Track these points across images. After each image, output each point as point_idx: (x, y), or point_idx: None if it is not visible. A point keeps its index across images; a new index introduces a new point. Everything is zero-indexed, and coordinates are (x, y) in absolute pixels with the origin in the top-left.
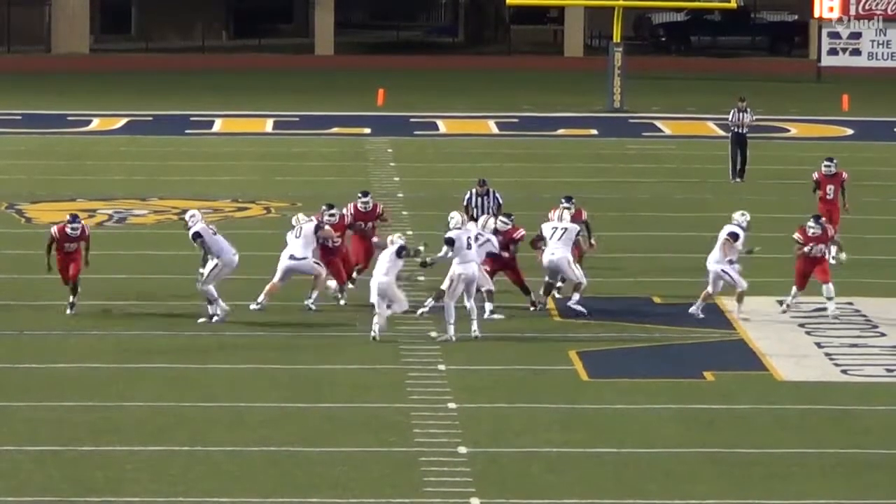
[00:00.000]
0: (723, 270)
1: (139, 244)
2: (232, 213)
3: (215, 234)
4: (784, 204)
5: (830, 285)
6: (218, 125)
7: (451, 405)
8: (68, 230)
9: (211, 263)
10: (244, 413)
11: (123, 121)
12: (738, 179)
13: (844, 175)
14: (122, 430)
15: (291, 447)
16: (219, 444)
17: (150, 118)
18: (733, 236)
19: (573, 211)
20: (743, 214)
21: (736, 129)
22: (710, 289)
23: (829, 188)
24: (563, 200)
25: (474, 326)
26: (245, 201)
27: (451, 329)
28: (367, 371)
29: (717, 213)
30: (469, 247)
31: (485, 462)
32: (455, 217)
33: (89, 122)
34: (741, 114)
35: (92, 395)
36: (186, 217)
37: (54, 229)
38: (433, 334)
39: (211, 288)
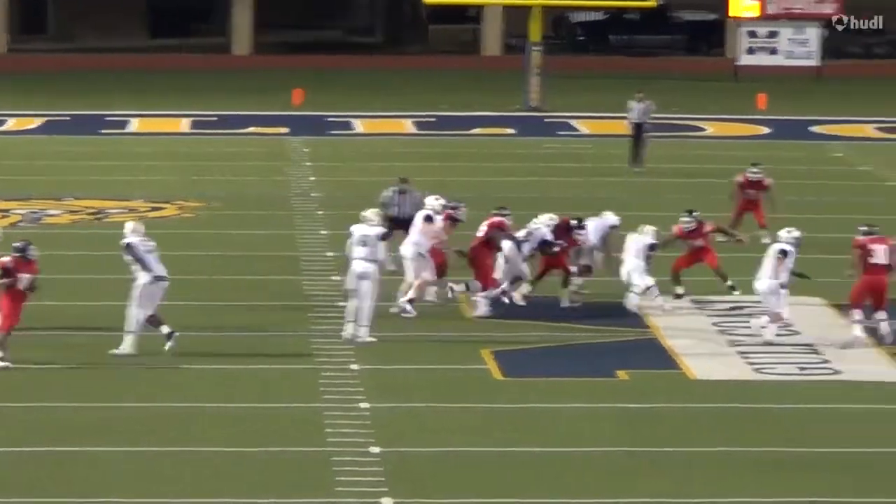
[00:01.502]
0: (771, 291)
1: (53, 244)
2: (146, 214)
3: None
4: (699, 202)
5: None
6: (134, 125)
7: (364, 405)
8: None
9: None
10: (152, 414)
11: (39, 121)
12: (636, 168)
13: (768, 182)
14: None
15: (201, 447)
16: (123, 445)
17: (67, 118)
18: (783, 254)
19: (694, 225)
20: (790, 231)
21: (634, 121)
22: (780, 311)
23: (750, 192)
24: (684, 213)
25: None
26: (160, 201)
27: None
28: (280, 371)
29: (635, 213)
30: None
31: (397, 462)
32: (368, 216)
33: (4, 122)
34: (639, 104)
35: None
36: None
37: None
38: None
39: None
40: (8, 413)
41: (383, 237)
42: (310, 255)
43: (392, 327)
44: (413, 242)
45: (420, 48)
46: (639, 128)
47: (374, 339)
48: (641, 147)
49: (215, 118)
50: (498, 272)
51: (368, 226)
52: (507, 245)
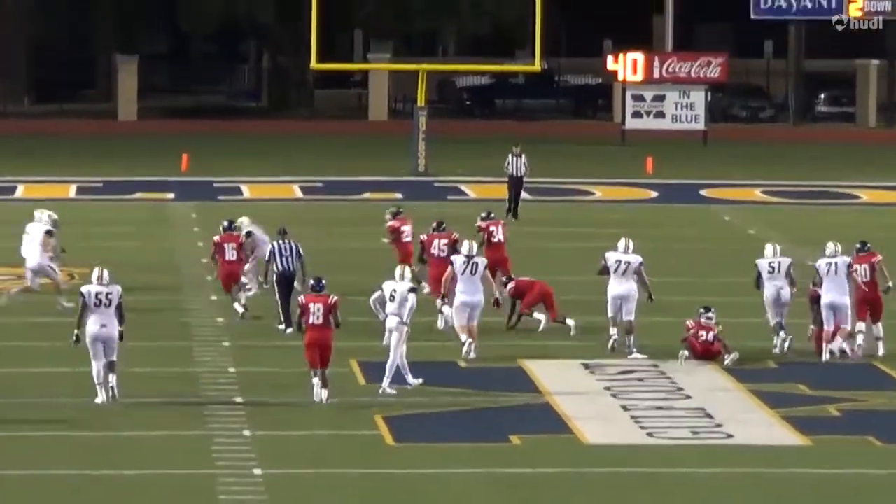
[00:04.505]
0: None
1: None
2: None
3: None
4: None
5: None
6: (20, 191)
7: (257, 471)
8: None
9: None
10: (39, 482)
11: None
12: (512, 218)
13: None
14: None
15: None
16: None
17: None
18: (850, 266)
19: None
20: (835, 244)
21: (511, 174)
22: (847, 326)
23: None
24: (701, 310)
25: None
26: None
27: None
28: (172, 437)
29: (522, 274)
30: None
31: None
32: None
33: None
34: (516, 158)
35: None
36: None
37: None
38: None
39: None
40: None
41: (412, 290)
42: (200, 321)
43: (288, 392)
44: None
45: (306, 112)
46: (517, 181)
47: (394, 392)
48: (518, 200)
49: (101, 184)
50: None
51: (396, 281)
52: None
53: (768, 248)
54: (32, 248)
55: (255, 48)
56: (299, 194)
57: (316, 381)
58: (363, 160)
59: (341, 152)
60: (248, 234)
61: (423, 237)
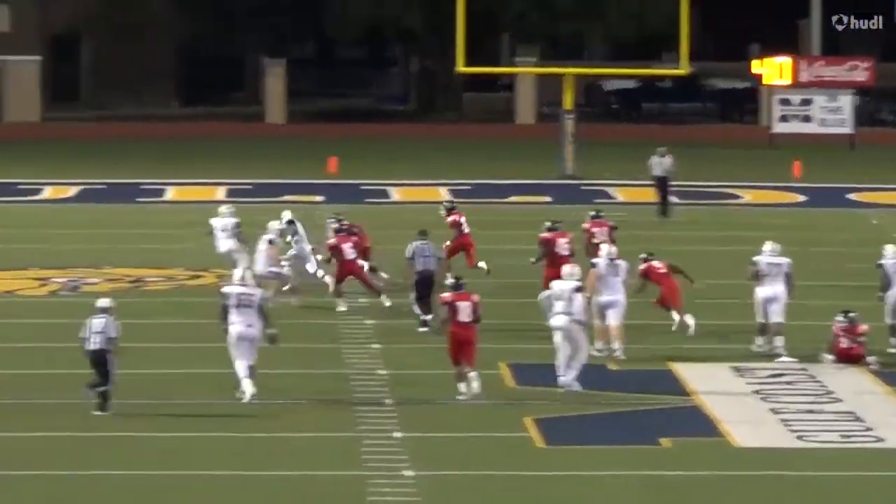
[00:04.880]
0: None
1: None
2: (185, 282)
3: None
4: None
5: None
6: (170, 193)
7: (407, 473)
8: None
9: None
10: (196, 482)
11: (75, 189)
12: (662, 218)
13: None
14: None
15: None
16: None
17: (102, 186)
18: None
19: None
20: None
21: (656, 174)
22: None
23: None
24: (839, 315)
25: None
26: (198, 269)
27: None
28: (322, 438)
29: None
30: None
31: None
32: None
33: (40, 190)
34: (661, 159)
35: (50, 465)
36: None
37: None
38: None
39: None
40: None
41: (578, 290)
42: (348, 323)
43: (437, 394)
44: None
45: (454, 116)
46: (663, 181)
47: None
48: (667, 200)
49: (250, 186)
50: None
51: (564, 280)
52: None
53: (888, 249)
54: (224, 242)
55: (402, 52)
56: (448, 197)
57: (472, 373)
58: (510, 163)
59: (488, 155)
60: (290, 221)
61: (545, 235)
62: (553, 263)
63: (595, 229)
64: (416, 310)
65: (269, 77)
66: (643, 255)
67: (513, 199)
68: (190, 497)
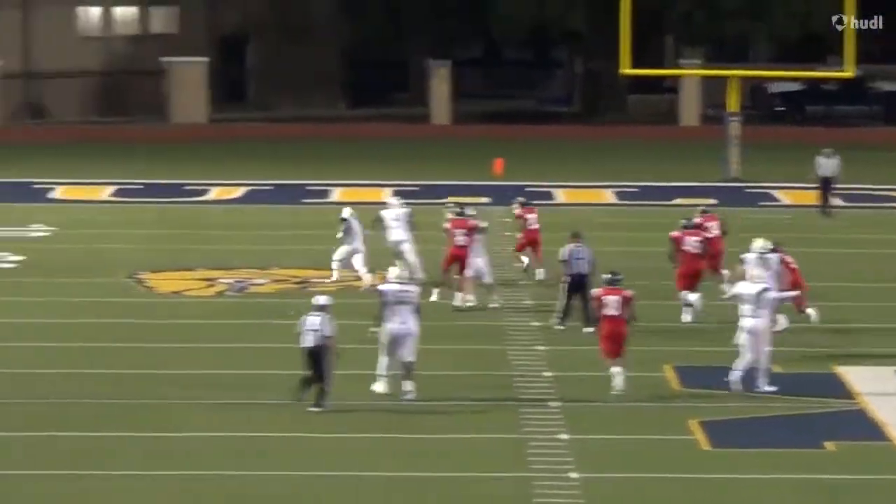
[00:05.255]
0: None
1: (260, 313)
2: (351, 283)
3: None
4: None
5: None
6: (335, 194)
7: (573, 475)
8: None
9: None
10: (359, 483)
11: (241, 190)
12: (824, 215)
13: None
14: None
15: None
16: None
17: (269, 187)
18: None
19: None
20: None
21: (821, 174)
22: None
23: None
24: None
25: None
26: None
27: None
28: (487, 440)
29: (827, 284)
30: None
31: None
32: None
33: (207, 191)
34: (827, 160)
35: (218, 465)
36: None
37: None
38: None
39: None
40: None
41: (765, 291)
42: (514, 324)
43: (602, 396)
44: None
45: (618, 118)
46: (827, 181)
47: (773, 389)
48: (830, 197)
49: (416, 188)
50: None
51: (750, 283)
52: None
53: None
54: (396, 231)
55: (567, 53)
56: (613, 199)
57: (616, 370)
58: (674, 166)
59: (652, 158)
60: (343, 219)
61: (675, 234)
62: (683, 262)
63: (708, 223)
64: (559, 307)
65: (435, 79)
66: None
67: (678, 201)
68: (359, 497)
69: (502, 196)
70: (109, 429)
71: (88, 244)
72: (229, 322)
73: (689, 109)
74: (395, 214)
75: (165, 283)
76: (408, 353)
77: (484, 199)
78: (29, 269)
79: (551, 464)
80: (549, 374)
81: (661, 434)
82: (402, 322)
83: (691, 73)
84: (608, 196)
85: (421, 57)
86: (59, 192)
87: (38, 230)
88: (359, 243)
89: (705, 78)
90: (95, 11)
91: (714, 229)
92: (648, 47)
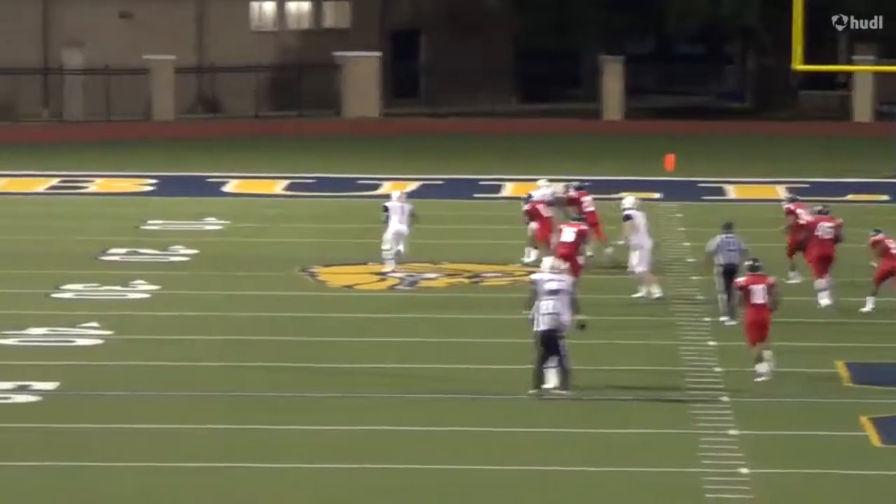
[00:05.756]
0: None
1: (431, 308)
2: (523, 277)
3: None
4: None
5: None
6: (508, 189)
7: (743, 470)
8: None
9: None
10: (531, 476)
11: (414, 185)
12: None
13: None
14: (414, 492)
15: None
16: None
17: (440, 182)
18: None
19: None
20: None
21: None
22: None
23: None
24: None
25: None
26: (534, 266)
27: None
28: (658, 435)
29: None
30: None
31: None
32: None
33: (379, 185)
34: None
35: (386, 458)
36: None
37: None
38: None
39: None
40: None
41: None
42: (686, 320)
43: (773, 391)
44: None
45: (789, 114)
46: None
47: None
48: None
49: (588, 183)
50: None
51: None
52: None
53: None
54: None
55: (740, 49)
56: (784, 195)
57: (767, 353)
58: (847, 161)
59: (824, 154)
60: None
61: (808, 219)
62: (813, 247)
63: (799, 210)
64: (721, 303)
65: (607, 74)
66: (874, 231)
67: (850, 197)
68: (529, 491)
69: (673, 192)
70: (285, 422)
71: (261, 238)
72: (400, 316)
73: (862, 105)
74: (539, 195)
75: (337, 276)
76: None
77: (655, 195)
78: (202, 263)
79: (722, 459)
80: (719, 369)
81: (831, 430)
82: (555, 313)
83: (864, 69)
84: (779, 192)
85: (593, 52)
86: (232, 186)
87: (211, 224)
88: (404, 226)
89: (878, 74)
90: (269, 6)
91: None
92: (822, 43)
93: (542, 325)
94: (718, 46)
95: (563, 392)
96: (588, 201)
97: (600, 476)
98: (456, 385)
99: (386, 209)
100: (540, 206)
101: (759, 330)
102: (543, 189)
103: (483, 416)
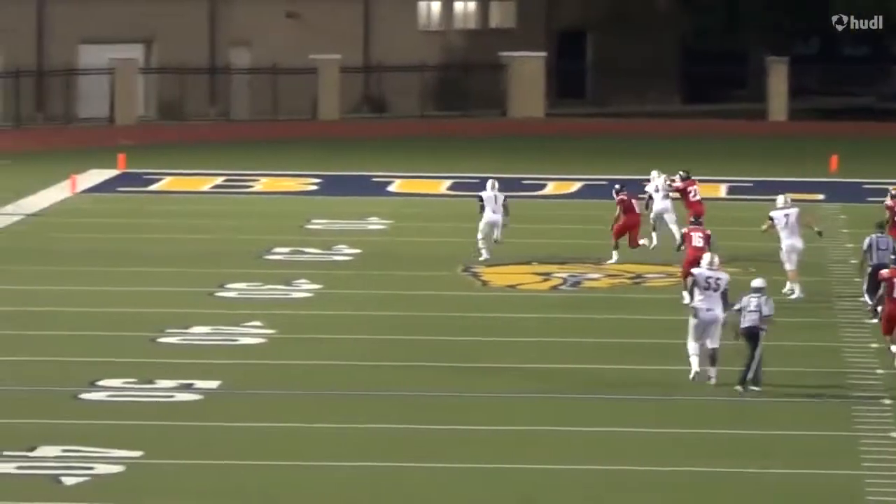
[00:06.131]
0: None
1: (594, 308)
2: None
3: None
4: None
5: None
6: None
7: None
8: None
9: None
10: (666, 477)
11: (578, 185)
12: None
13: None
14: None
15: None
16: None
17: (604, 183)
18: None
19: None
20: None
21: None
22: None
23: None
24: None
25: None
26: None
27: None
28: (819, 437)
29: None
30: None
31: None
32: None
33: (544, 185)
34: None
35: (526, 458)
36: None
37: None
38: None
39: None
40: None
41: None
42: (849, 321)
43: None
44: None
45: None
46: None
47: None
48: None
49: (750, 184)
50: None
51: None
52: None
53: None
54: (660, 202)
55: None
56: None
57: (893, 346)
58: None
59: None
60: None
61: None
62: None
63: None
64: (868, 299)
65: (772, 75)
66: None
67: None
68: (679, 490)
69: (837, 193)
70: (452, 421)
71: (425, 237)
72: (563, 316)
73: None
74: (653, 186)
75: (500, 276)
76: (712, 340)
77: (819, 196)
78: (365, 262)
79: (884, 461)
80: (881, 371)
81: None
82: (709, 308)
83: None
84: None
85: (759, 53)
86: (397, 186)
87: (375, 223)
88: (499, 215)
89: None
90: (436, 6)
91: None
92: None
93: (746, 321)
94: (884, 47)
95: (757, 388)
96: (695, 190)
97: (761, 477)
98: (642, 389)
99: (481, 199)
100: (634, 201)
101: (893, 322)
102: (655, 179)
103: (631, 415)
